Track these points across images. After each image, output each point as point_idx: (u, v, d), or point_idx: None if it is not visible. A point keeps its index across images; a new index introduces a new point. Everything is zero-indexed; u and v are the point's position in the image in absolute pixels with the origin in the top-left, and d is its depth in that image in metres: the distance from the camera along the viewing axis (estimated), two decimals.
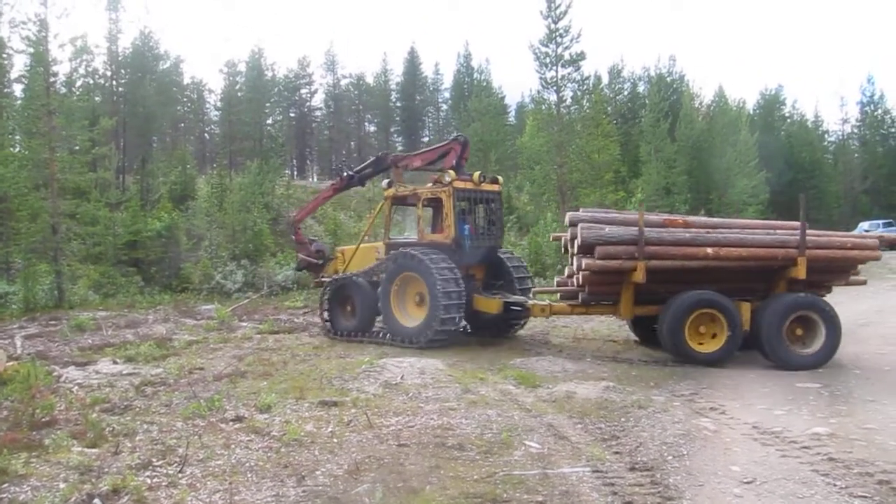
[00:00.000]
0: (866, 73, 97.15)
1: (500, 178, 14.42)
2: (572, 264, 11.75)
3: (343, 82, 76.78)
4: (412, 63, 75.08)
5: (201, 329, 15.18)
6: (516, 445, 6.60)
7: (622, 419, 7.61)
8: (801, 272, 10.81)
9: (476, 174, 13.48)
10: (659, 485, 5.55)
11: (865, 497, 5.27)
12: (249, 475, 5.75)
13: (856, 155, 59.97)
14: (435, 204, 13.87)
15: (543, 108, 33.75)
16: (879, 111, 60.86)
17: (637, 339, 13.24)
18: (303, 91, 73.78)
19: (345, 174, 15.86)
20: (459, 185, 13.03)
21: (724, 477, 5.74)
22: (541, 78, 32.24)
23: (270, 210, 32.43)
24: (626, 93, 61.05)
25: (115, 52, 38.46)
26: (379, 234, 15.95)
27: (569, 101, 33.22)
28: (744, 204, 41.87)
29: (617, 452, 6.42)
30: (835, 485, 5.52)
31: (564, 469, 5.93)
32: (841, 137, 63.07)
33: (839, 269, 11.72)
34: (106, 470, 5.79)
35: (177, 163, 39.03)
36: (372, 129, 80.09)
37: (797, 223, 11.18)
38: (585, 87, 35.75)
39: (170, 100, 48.76)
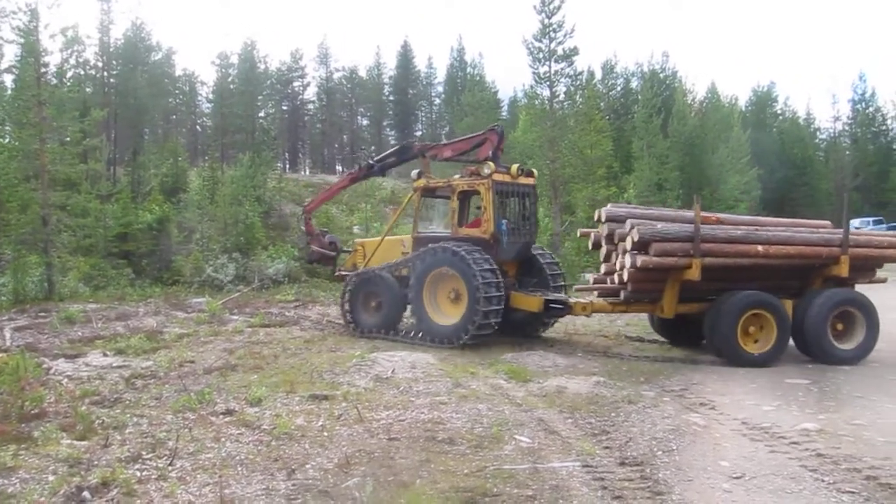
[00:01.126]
0: (858, 70, 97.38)
1: (534, 171, 13.80)
2: (612, 261, 11.52)
3: (336, 76, 76.34)
4: (405, 57, 74.83)
5: (192, 322, 15.12)
6: (507, 440, 6.61)
7: (612, 414, 7.64)
8: (843, 270, 10.98)
9: (514, 167, 12.92)
10: (648, 479, 5.57)
11: (853, 492, 5.31)
12: (239, 468, 5.75)
13: (847, 152, 60.16)
14: (464, 197, 13.28)
15: (536, 103, 33.72)
16: (871, 109, 61.17)
17: (664, 339, 13.00)
18: (295, 84, 73.41)
19: (364, 163, 15.00)
20: (498, 177, 12.50)
21: (713, 472, 5.77)
22: (534, 73, 32.19)
23: (262, 203, 32.28)
24: (618, 88, 61.15)
25: (106, 42, 38.15)
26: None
27: (562, 96, 33.16)
28: (735, 200, 42.00)
29: (607, 447, 6.45)
30: (823, 480, 5.56)
31: (554, 463, 5.94)
32: (832, 135, 63.36)
33: (867, 267, 11.87)
34: (95, 462, 5.77)
35: (168, 155, 38.77)
36: (364, 122, 79.83)
37: (822, 221, 11.32)
38: (578, 82, 35.64)
39: (162, 91, 48.44)
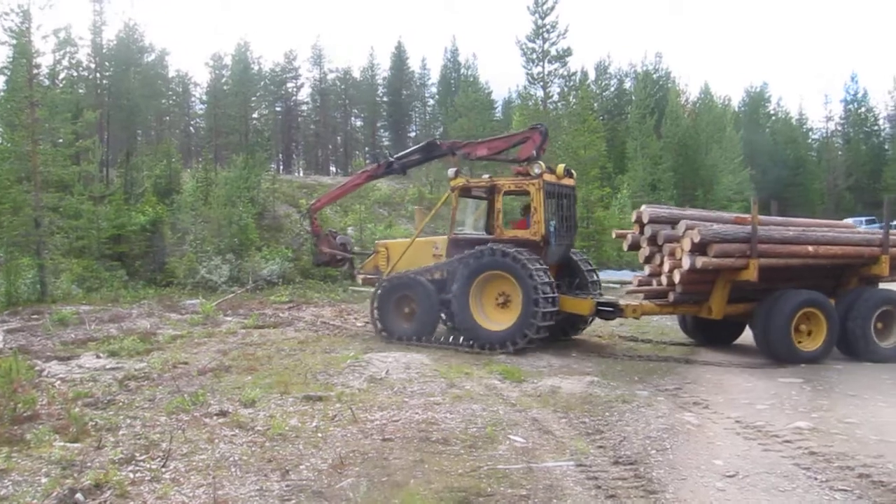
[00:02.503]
0: (850, 71, 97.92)
1: (574, 172, 13.37)
2: (655, 263, 11.44)
3: (330, 76, 76.33)
4: (399, 58, 74.73)
5: (186, 323, 15.07)
6: (501, 440, 6.61)
7: (606, 414, 7.65)
8: (884, 269, 11.27)
9: (560, 167, 12.60)
10: (642, 478, 5.59)
11: (846, 490, 5.33)
12: (233, 469, 5.73)
13: (839, 152, 60.59)
14: (499, 197, 12.60)
15: (530, 103, 33.85)
16: (863, 109, 61.54)
17: (693, 340, 12.96)
18: (289, 85, 73.29)
19: (383, 160, 14.14)
20: (547, 178, 12.07)
21: (706, 471, 5.79)
22: (527, 73, 32.36)
23: (256, 204, 32.24)
24: (612, 89, 61.48)
25: (99, 44, 37.97)
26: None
27: (555, 96, 33.35)
28: (728, 200, 42.13)
29: (601, 446, 6.46)
30: (816, 478, 5.58)
31: (549, 463, 5.95)
32: (825, 135, 63.81)
33: (893, 266, 11.97)
34: (88, 464, 5.75)
35: (161, 156, 38.58)
36: (358, 123, 79.74)
37: (845, 222, 11.43)
38: (572, 83, 35.82)
39: (155, 93, 48.22)
